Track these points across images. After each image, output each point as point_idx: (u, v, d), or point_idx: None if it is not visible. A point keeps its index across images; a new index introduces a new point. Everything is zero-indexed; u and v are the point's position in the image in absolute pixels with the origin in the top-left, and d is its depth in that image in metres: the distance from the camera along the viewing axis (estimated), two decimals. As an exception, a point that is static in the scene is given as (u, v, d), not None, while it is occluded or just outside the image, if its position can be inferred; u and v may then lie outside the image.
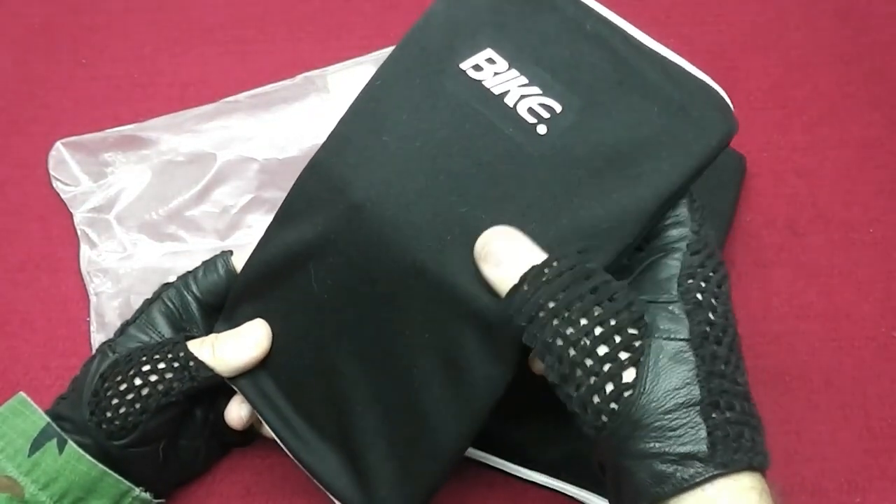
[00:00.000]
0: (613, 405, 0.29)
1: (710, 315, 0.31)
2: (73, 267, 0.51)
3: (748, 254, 0.51)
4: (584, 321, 0.30)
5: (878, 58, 0.59)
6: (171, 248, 0.51)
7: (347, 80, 0.55)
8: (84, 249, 0.51)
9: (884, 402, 0.46)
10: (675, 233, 0.33)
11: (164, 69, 0.59)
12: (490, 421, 0.37)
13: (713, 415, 0.29)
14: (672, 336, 0.30)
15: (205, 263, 0.41)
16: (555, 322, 0.30)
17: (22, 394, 0.38)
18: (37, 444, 0.36)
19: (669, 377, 0.29)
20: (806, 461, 0.44)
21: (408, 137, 0.36)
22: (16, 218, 0.53)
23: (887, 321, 0.48)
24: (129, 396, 0.37)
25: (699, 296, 0.31)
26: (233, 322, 0.39)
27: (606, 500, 0.41)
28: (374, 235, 0.35)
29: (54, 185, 0.53)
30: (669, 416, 0.28)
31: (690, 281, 0.31)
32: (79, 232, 0.51)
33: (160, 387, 0.37)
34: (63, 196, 0.53)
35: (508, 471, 0.43)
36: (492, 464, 0.43)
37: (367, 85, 0.38)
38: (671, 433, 0.28)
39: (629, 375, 0.29)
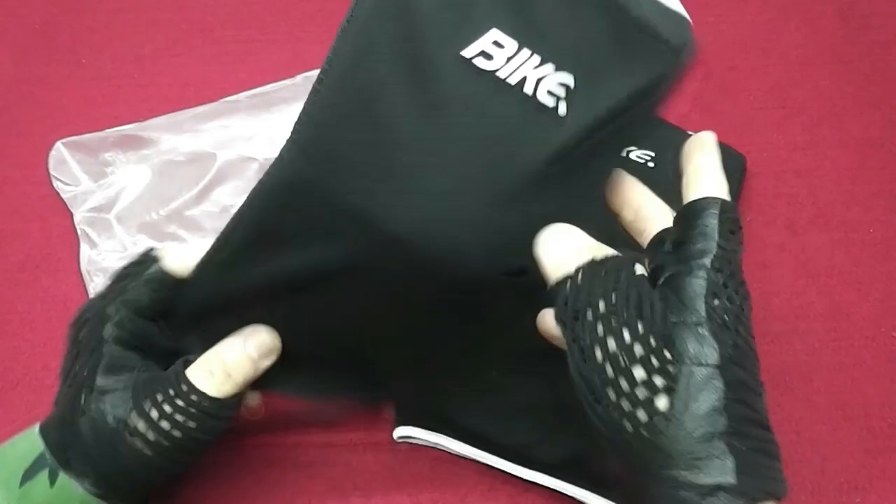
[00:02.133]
0: (643, 431, 0.28)
1: (736, 338, 0.30)
2: (73, 267, 0.51)
3: (748, 254, 0.51)
4: (626, 335, 0.29)
5: (878, 58, 0.59)
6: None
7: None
8: (84, 249, 0.51)
9: (884, 402, 0.46)
10: (700, 246, 0.31)
11: (164, 69, 0.59)
12: (490, 421, 0.37)
13: (738, 444, 0.28)
14: (702, 361, 0.29)
15: (129, 275, 0.37)
16: (599, 329, 0.29)
17: (36, 426, 0.36)
18: (29, 474, 0.34)
19: (699, 405, 0.28)
20: (806, 461, 0.44)
21: (428, 153, 0.31)
22: (16, 218, 0.53)
23: (887, 321, 0.48)
24: (151, 466, 0.34)
25: (725, 317, 0.30)
26: (217, 335, 0.36)
27: (607, 500, 0.41)
28: (429, 264, 0.31)
29: (54, 184, 0.53)
30: (697, 445, 0.28)
31: (717, 301, 0.30)
32: (79, 232, 0.51)
33: (191, 445, 0.35)
34: (63, 196, 0.53)
35: (508, 471, 0.43)
36: (492, 464, 0.43)
37: (336, 79, 0.33)
38: (698, 462, 0.28)
39: (662, 403, 0.28)
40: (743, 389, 0.29)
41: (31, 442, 0.35)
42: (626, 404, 0.29)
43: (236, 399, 0.36)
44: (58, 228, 0.52)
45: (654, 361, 0.29)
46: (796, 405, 0.46)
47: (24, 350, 0.48)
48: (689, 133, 0.52)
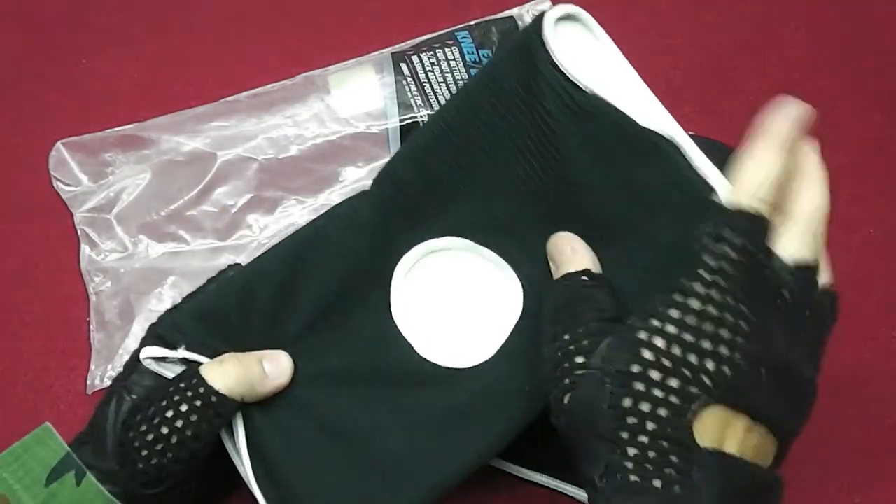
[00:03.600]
0: (557, 420, 0.32)
1: (649, 354, 0.30)
2: (73, 267, 0.51)
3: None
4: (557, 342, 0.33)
5: (878, 58, 0.59)
6: (171, 247, 0.51)
7: (347, 80, 0.55)
8: (84, 249, 0.51)
9: (884, 402, 0.46)
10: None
11: (164, 69, 0.59)
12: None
13: (615, 450, 0.29)
14: (604, 370, 0.31)
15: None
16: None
17: (47, 424, 0.36)
18: (55, 475, 0.35)
19: (589, 407, 0.30)
20: (806, 461, 0.44)
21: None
22: (16, 218, 0.53)
23: (887, 321, 0.48)
24: (159, 447, 0.35)
25: (643, 334, 0.31)
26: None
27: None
28: None
29: (54, 185, 0.53)
30: (586, 444, 0.30)
31: (644, 322, 0.31)
32: (79, 232, 0.51)
33: (188, 432, 0.35)
34: (63, 196, 0.53)
35: (508, 471, 0.43)
36: (492, 464, 0.43)
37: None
38: (584, 459, 0.30)
39: (566, 400, 0.32)
40: (640, 399, 0.29)
41: (49, 444, 0.35)
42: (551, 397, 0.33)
43: (236, 402, 0.36)
44: (58, 228, 0.52)
45: (566, 364, 0.32)
46: (796, 405, 0.46)
47: (24, 350, 0.48)
48: (690, 133, 0.53)
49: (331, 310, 0.39)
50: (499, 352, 0.38)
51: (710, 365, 0.29)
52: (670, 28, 0.59)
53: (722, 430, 0.30)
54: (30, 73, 0.59)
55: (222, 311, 0.38)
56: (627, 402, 0.29)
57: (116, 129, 0.54)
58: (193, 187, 0.52)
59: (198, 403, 0.35)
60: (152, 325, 0.39)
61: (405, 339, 0.39)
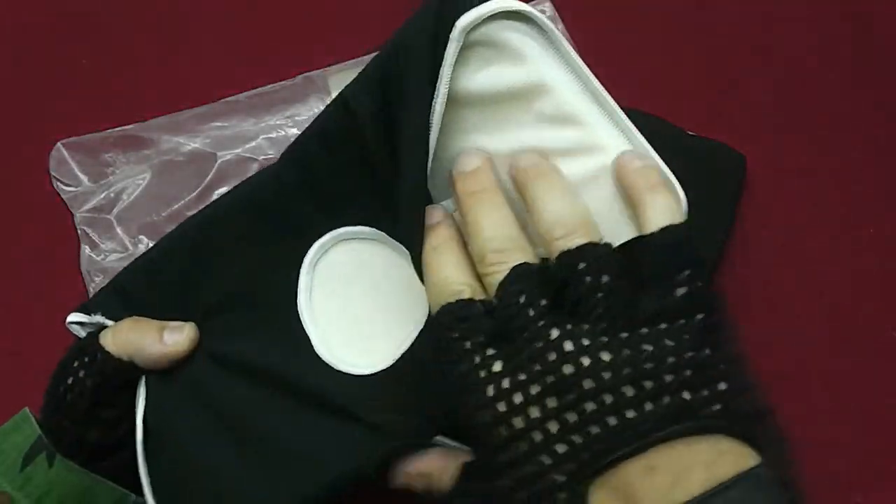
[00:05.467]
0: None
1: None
2: (73, 267, 0.51)
3: (748, 254, 0.51)
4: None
5: (879, 58, 0.59)
6: (171, 248, 0.51)
7: (347, 80, 0.55)
8: (84, 249, 0.51)
9: (884, 402, 0.46)
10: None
11: (164, 69, 0.59)
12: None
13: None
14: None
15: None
16: None
17: (26, 409, 0.37)
18: (28, 459, 0.35)
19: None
20: (806, 461, 0.44)
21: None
22: (16, 218, 0.53)
23: (887, 321, 0.49)
24: (66, 411, 0.36)
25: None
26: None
27: None
28: None
29: (55, 185, 0.53)
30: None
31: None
32: (79, 232, 0.51)
33: (83, 392, 0.36)
34: (63, 196, 0.53)
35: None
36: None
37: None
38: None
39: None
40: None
41: (24, 429, 0.36)
42: None
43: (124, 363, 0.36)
44: (58, 228, 0.52)
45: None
46: (796, 405, 0.46)
47: (24, 350, 0.48)
48: (690, 133, 0.53)
49: (238, 293, 0.38)
50: (400, 359, 0.36)
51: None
52: (671, 29, 0.59)
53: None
54: (30, 74, 0.59)
55: (134, 285, 0.39)
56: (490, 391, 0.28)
57: (116, 129, 0.54)
58: (193, 187, 0.52)
59: (86, 360, 0.36)
60: (84, 302, 0.40)
61: (306, 335, 0.38)
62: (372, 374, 0.36)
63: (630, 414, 0.25)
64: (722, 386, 0.27)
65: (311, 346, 0.37)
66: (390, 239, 0.37)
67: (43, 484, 0.35)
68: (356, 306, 0.38)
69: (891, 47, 0.60)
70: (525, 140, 0.33)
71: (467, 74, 0.32)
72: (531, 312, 0.27)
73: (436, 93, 0.31)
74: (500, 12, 0.32)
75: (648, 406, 0.25)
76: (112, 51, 0.60)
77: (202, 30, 0.61)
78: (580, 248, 0.28)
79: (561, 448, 0.26)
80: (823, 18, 0.61)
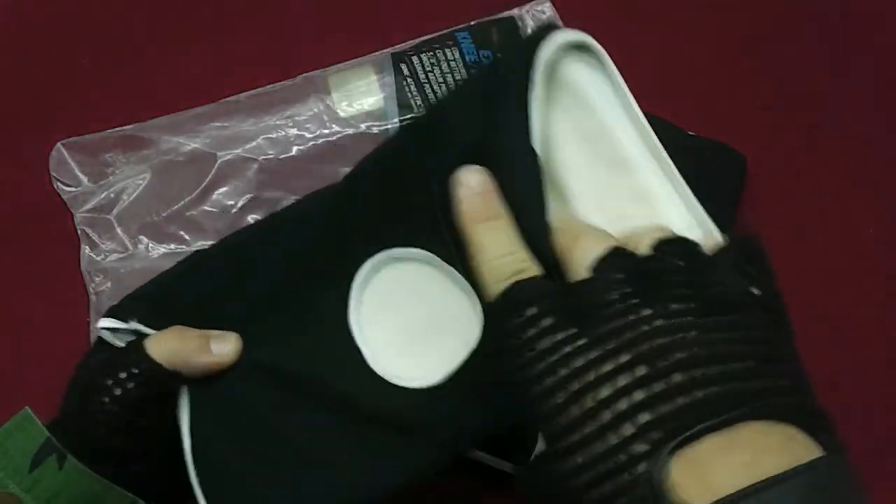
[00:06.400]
0: None
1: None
2: (74, 267, 0.51)
3: (748, 254, 0.51)
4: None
5: (879, 58, 0.59)
6: (171, 248, 0.51)
7: (347, 80, 0.55)
8: (84, 249, 0.51)
9: (884, 402, 0.46)
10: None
11: (164, 69, 0.59)
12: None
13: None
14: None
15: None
16: None
17: (27, 409, 0.37)
18: (37, 461, 0.35)
19: None
20: (806, 461, 0.44)
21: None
22: (16, 218, 0.53)
23: (887, 321, 0.49)
24: (104, 418, 0.35)
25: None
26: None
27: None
28: None
29: (54, 185, 0.53)
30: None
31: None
32: (79, 232, 0.51)
33: (126, 401, 0.35)
34: (63, 196, 0.53)
35: (508, 471, 0.43)
36: (492, 464, 0.43)
37: None
38: None
39: None
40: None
41: (28, 429, 0.35)
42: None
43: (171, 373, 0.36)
44: (58, 228, 0.52)
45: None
46: (796, 405, 0.46)
47: (24, 350, 0.48)
48: (690, 133, 0.53)
49: (285, 304, 0.39)
50: (449, 379, 0.37)
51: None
52: (672, 30, 0.59)
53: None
54: (30, 74, 0.59)
55: (175, 294, 0.39)
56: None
57: (116, 129, 0.54)
58: (193, 188, 0.52)
59: (133, 371, 0.35)
60: (112, 306, 0.39)
61: (356, 347, 0.38)
62: (423, 389, 0.37)
63: (715, 389, 0.26)
64: (795, 383, 0.28)
65: (363, 358, 0.38)
66: (443, 263, 0.37)
67: (52, 486, 0.35)
68: (406, 324, 0.38)
69: (891, 47, 0.60)
70: (586, 180, 0.35)
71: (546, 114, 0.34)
72: (627, 289, 0.28)
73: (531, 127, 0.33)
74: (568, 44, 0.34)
75: (734, 384, 0.26)
76: (112, 51, 0.60)
77: (202, 30, 0.61)
78: (672, 241, 0.30)
79: (644, 417, 0.26)
80: (823, 18, 0.61)
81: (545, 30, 0.35)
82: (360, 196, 0.39)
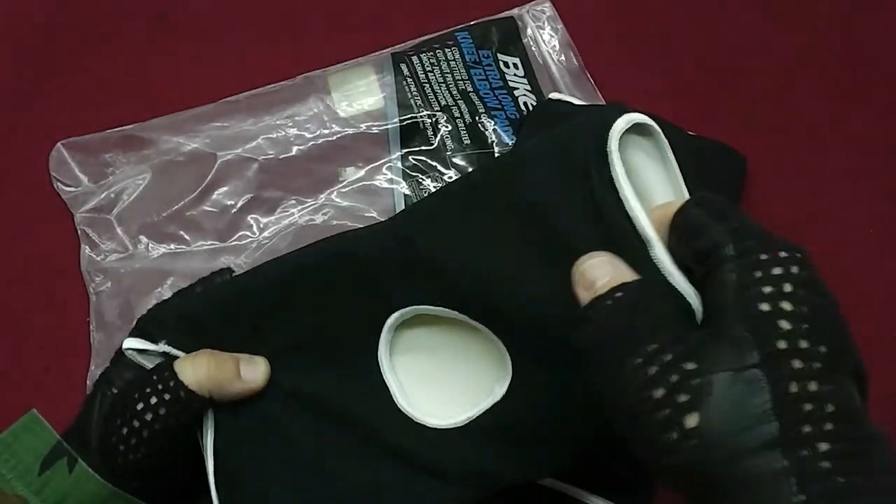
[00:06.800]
0: (676, 456, 0.25)
1: (785, 324, 0.26)
2: (73, 267, 0.51)
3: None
4: (638, 359, 0.26)
5: (879, 58, 0.59)
6: (171, 248, 0.51)
7: (347, 80, 0.55)
8: (84, 249, 0.51)
9: (884, 402, 0.46)
10: (705, 241, 0.28)
11: (164, 69, 0.59)
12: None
13: (802, 452, 0.23)
14: (738, 365, 0.25)
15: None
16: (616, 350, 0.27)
17: (34, 411, 0.36)
18: (47, 463, 0.35)
19: (739, 416, 0.24)
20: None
21: None
22: (16, 218, 0.53)
23: (887, 321, 0.49)
24: (133, 441, 0.35)
25: (765, 305, 0.26)
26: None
27: (610, 503, 0.41)
28: None
29: (55, 185, 0.53)
30: (745, 464, 0.24)
31: (748, 290, 0.26)
32: (79, 232, 0.51)
33: (157, 426, 0.35)
34: (63, 196, 0.53)
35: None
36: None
37: None
38: (750, 488, 0.24)
39: (691, 421, 0.25)
40: (801, 382, 0.25)
41: (36, 431, 0.35)
42: (654, 428, 0.25)
43: (204, 399, 0.36)
44: (58, 228, 0.52)
45: (673, 377, 0.25)
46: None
47: (24, 350, 0.48)
48: (691, 133, 0.53)
49: (316, 336, 0.39)
50: (472, 421, 0.37)
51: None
52: (672, 30, 0.59)
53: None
54: (30, 74, 0.59)
55: (207, 317, 0.38)
56: (794, 388, 0.24)
57: (116, 129, 0.54)
58: (193, 188, 0.52)
59: (166, 397, 0.35)
60: (139, 319, 0.39)
61: (384, 384, 0.39)
62: (445, 429, 0.38)
63: None
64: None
65: (390, 395, 0.39)
66: (471, 320, 0.37)
67: (61, 489, 0.35)
68: (433, 366, 0.39)
69: (890, 47, 0.60)
70: None
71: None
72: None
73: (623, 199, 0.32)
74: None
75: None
76: (112, 51, 0.60)
77: (202, 30, 0.61)
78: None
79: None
80: (823, 19, 0.61)
81: (606, 113, 0.33)
82: (414, 250, 0.37)
